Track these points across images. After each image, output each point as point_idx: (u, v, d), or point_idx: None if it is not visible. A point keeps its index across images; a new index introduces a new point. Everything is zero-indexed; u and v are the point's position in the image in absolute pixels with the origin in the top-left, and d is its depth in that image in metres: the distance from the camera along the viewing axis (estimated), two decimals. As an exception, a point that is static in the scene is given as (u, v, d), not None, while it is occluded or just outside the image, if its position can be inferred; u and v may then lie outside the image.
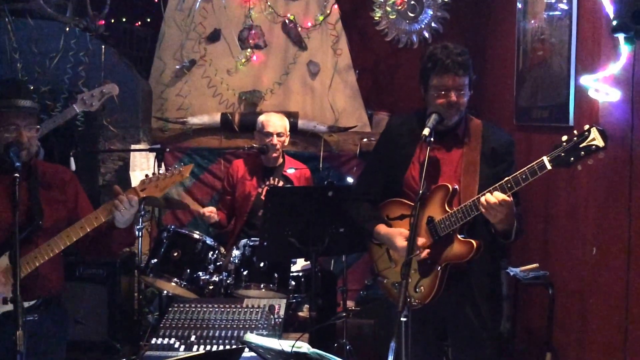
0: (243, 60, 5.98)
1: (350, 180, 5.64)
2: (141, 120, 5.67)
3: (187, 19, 5.93)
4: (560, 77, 3.86)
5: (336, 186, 4.03)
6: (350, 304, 5.07)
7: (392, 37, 6.15)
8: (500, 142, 3.13)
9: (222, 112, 5.93)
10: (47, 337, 3.02)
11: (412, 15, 6.10)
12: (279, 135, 4.82)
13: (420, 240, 2.97)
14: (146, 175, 2.99)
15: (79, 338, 4.67)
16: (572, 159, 2.63)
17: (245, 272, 4.22)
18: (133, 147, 5.53)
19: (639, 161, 3.17)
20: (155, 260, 4.36)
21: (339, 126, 5.90)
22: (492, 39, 5.70)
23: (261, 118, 4.96)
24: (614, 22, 3.00)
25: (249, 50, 5.98)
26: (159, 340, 2.94)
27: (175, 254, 4.34)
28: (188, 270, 4.31)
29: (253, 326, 3.11)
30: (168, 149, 5.15)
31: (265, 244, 3.89)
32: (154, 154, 4.85)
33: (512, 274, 4.18)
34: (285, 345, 2.30)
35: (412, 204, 2.92)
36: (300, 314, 4.67)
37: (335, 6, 5.96)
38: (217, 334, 3.01)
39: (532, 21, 4.40)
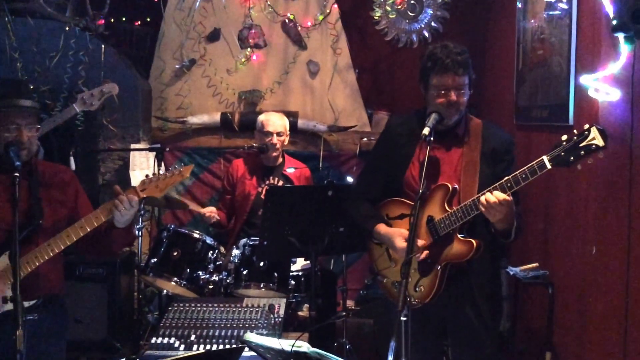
0: (243, 59, 5.98)
1: (350, 179, 5.64)
2: (141, 119, 5.67)
3: (187, 18, 5.93)
4: (560, 76, 3.86)
5: (336, 185, 4.02)
6: (350, 303, 5.07)
7: (392, 36, 6.15)
8: (500, 142, 3.13)
9: (221, 111, 5.92)
10: (47, 336, 3.03)
11: (412, 14, 6.10)
12: (278, 134, 4.82)
13: (420, 242, 2.98)
14: (146, 176, 2.99)
15: (79, 337, 4.67)
16: (572, 158, 2.63)
17: (245, 272, 4.22)
18: (133, 146, 5.52)
19: (639, 161, 3.17)
20: (155, 259, 4.36)
21: (339, 126, 5.90)
22: (492, 39, 5.70)
23: (261, 117, 4.96)
24: (614, 22, 3.00)
25: (248, 49, 5.98)
26: (159, 340, 2.94)
27: (175, 254, 4.34)
28: (188, 270, 4.31)
29: (253, 325, 3.11)
30: (168, 149, 5.15)
31: (265, 243, 3.89)
32: (154, 153, 4.85)
33: (512, 273, 4.18)
34: (285, 344, 2.30)
35: (412, 203, 2.92)
36: (300, 313, 4.67)
37: (335, 5, 5.95)
38: (217, 334, 3.01)
39: (532, 21, 4.39)
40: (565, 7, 3.82)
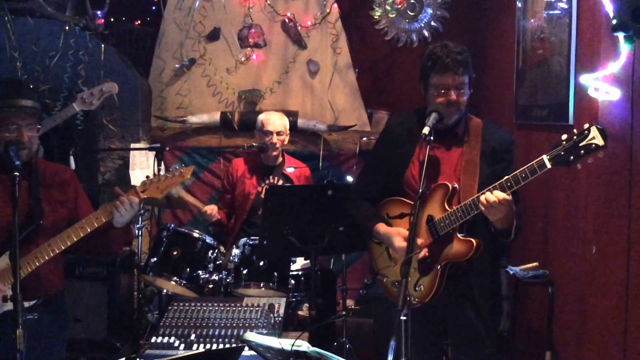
0: (243, 59, 5.98)
1: (349, 179, 5.64)
2: (141, 119, 5.67)
3: (187, 17, 5.93)
4: (560, 76, 3.86)
5: (336, 185, 4.03)
6: (349, 302, 5.07)
7: (392, 36, 6.15)
8: (500, 141, 3.13)
9: (221, 111, 5.92)
10: (47, 335, 3.02)
11: (411, 14, 6.10)
12: (278, 133, 4.82)
13: (419, 240, 2.98)
14: (147, 177, 3.00)
15: (79, 337, 4.68)
16: (571, 157, 2.63)
17: (244, 271, 4.22)
18: (133, 146, 5.53)
19: (639, 160, 3.17)
20: (155, 259, 4.36)
21: (339, 125, 5.90)
22: (492, 38, 5.70)
23: (261, 117, 4.96)
24: (614, 21, 3.00)
25: (248, 49, 5.98)
26: (159, 339, 2.94)
27: (175, 253, 4.34)
28: (188, 269, 4.31)
29: (253, 325, 3.11)
30: (168, 148, 5.16)
31: (264, 242, 3.89)
32: (154, 152, 4.85)
33: (511, 272, 4.18)
34: (285, 344, 2.30)
35: (412, 202, 2.92)
36: (299, 312, 4.67)
37: (335, 5, 5.95)
38: (216, 333, 3.01)
39: (532, 20, 4.39)
40: (565, 6, 3.82)
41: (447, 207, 2.99)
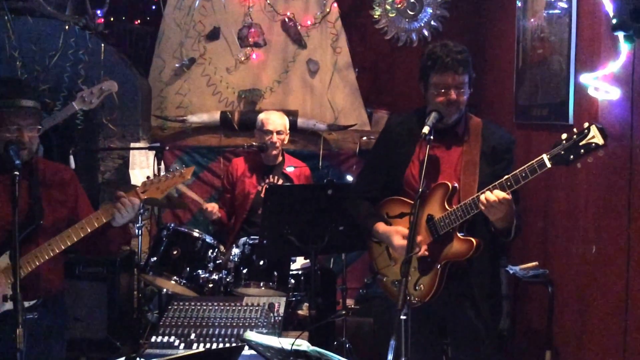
0: (242, 58, 5.98)
1: (349, 178, 5.64)
2: (141, 118, 5.67)
3: (187, 17, 5.93)
4: (559, 75, 3.86)
5: (336, 184, 4.03)
6: (349, 302, 5.07)
7: (392, 35, 6.15)
8: (501, 141, 3.13)
9: (221, 110, 5.93)
10: (47, 335, 3.03)
11: (411, 13, 6.10)
12: (278, 133, 4.82)
13: (419, 237, 2.98)
14: (147, 177, 3.00)
15: (79, 336, 4.68)
16: (571, 157, 2.63)
17: (244, 270, 4.22)
18: (132, 145, 5.53)
19: (639, 159, 3.17)
20: (155, 258, 4.36)
21: (339, 124, 5.91)
22: (492, 38, 5.69)
23: (261, 116, 4.96)
24: (614, 21, 3.00)
25: (248, 48, 5.98)
26: (159, 338, 2.94)
27: (175, 252, 4.34)
28: (188, 269, 4.31)
29: (253, 324, 3.11)
30: (167, 148, 5.16)
31: (264, 242, 3.89)
32: (154, 152, 4.85)
33: (511, 272, 4.18)
34: (285, 343, 2.30)
35: (412, 202, 2.92)
36: (299, 312, 4.67)
37: (335, 4, 5.95)
38: (216, 332, 3.01)
39: (532, 19, 4.39)
40: (565, 5, 3.82)
41: (447, 206, 2.99)
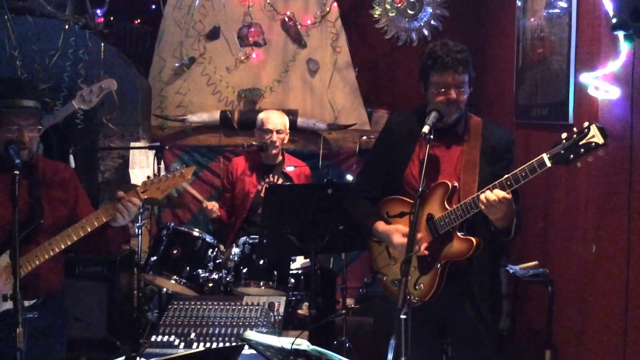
0: (242, 57, 5.98)
1: (349, 178, 5.64)
2: (141, 117, 5.67)
3: (187, 16, 5.93)
4: (559, 74, 3.86)
5: (335, 184, 4.03)
6: (349, 301, 5.07)
7: (392, 34, 6.15)
8: (500, 140, 3.13)
9: (221, 109, 5.93)
10: (47, 334, 3.02)
11: (411, 13, 6.10)
12: (278, 132, 4.82)
13: (419, 235, 2.98)
14: (147, 177, 3.00)
15: (79, 335, 4.67)
16: (571, 156, 2.63)
17: (244, 270, 4.22)
18: (132, 144, 5.53)
19: (639, 158, 3.17)
20: (155, 257, 4.36)
21: (339, 124, 5.91)
22: (492, 37, 5.69)
23: (261, 115, 4.96)
24: (614, 20, 3.00)
25: (248, 47, 5.98)
26: (159, 338, 2.94)
27: (175, 252, 4.34)
28: (187, 268, 4.31)
29: (253, 324, 3.11)
30: (167, 147, 5.16)
31: (264, 241, 3.89)
32: (154, 151, 4.85)
33: (511, 271, 4.18)
34: (285, 342, 2.30)
35: (412, 201, 2.92)
36: (299, 311, 4.67)
37: (335, 4, 5.95)
38: (216, 332, 3.02)
39: (532, 19, 4.39)
40: (565, 5, 3.82)
41: (447, 205, 2.99)
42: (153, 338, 2.95)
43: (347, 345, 4.49)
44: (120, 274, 4.98)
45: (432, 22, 6.09)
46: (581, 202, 3.63)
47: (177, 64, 5.95)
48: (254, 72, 6.01)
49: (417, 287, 3.06)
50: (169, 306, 3.33)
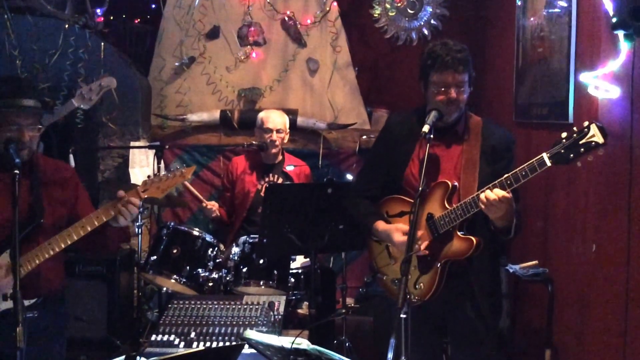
0: (242, 57, 5.97)
1: (349, 177, 5.64)
2: (140, 117, 5.67)
3: (187, 16, 5.92)
4: (559, 74, 3.86)
5: (335, 183, 4.03)
6: (349, 301, 5.07)
7: (392, 34, 6.15)
8: (500, 140, 3.13)
9: (221, 109, 5.92)
10: (47, 334, 3.02)
11: (411, 12, 6.10)
12: (278, 131, 4.82)
13: (420, 233, 2.98)
14: (148, 176, 3.00)
15: (79, 335, 4.67)
16: (571, 155, 2.63)
17: (244, 269, 4.22)
18: (132, 144, 5.52)
19: (639, 158, 3.17)
20: (155, 257, 4.36)
21: (339, 123, 5.90)
22: (492, 37, 5.69)
23: (261, 114, 4.97)
24: (614, 19, 3.00)
25: (248, 47, 5.97)
26: (159, 337, 2.94)
27: (175, 251, 4.34)
28: (187, 267, 4.31)
29: (253, 323, 3.11)
30: (167, 146, 5.16)
31: (264, 240, 3.89)
32: (154, 151, 4.85)
33: (511, 271, 4.18)
34: (285, 341, 2.30)
35: (412, 200, 2.93)
36: (299, 311, 4.67)
37: (335, 3, 5.95)
38: (216, 331, 3.02)
39: (532, 18, 4.39)
40: (565, 4, 3.82)
41: (447, 205, 2.99)
42: (153, 337, 2.95)
43: (347, 344, 4.49)
44: (120, 273, 4.98)
45: (432, 21, 6.09)
46: (581, 202, 3.63)
47: (177, 64, 5.95)
48: (254, 71, 6.01)
49: (417, 286, 3.06)
50: (169, 305, 3.33)
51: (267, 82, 6.01)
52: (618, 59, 3.15)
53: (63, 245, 2.89)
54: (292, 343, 2.28)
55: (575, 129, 2.64)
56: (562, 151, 2.65)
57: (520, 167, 2.75)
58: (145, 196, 2.95)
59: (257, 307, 3.29)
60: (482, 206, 2.81)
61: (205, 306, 3.30)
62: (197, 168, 5.86)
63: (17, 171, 2.72)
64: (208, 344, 2.90)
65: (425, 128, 2.91)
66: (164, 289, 4.48)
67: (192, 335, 2.97)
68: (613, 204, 3.30)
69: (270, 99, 5.99)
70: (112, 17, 5.87)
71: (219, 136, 5.97)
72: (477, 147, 3.09)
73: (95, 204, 3.08)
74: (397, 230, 3.05)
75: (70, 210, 3.06)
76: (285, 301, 3.41)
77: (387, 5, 6.07)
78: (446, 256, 3.01)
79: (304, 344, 2.28)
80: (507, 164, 3.04)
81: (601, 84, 3.25)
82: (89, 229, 2.89)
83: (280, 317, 3.21)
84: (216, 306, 3.30)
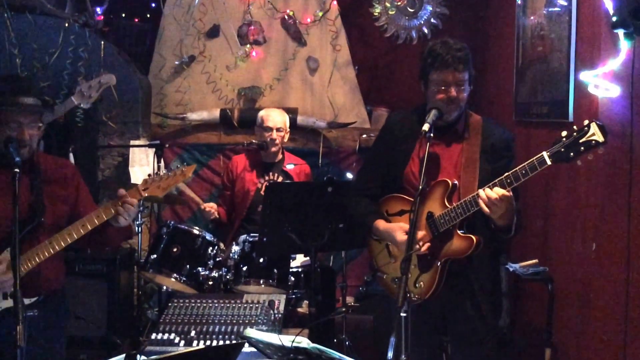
0: (242, 56, 5.97)
1: (349, 176, 5.64)
2: (140, 116, 5.67)
3: (187, 14, 5.92)
4: (559, 73, 3.86)
5: (335, 182, 4.02)
6: (349, 299, 5.07)
7: (392, 33, 6.15)
8: (500, 138, 3.13)
9: (221, 108, 5.92)
10: (47, 332, 3.02)
11: (411, 11, 6.10)
12: (278, 130, 4.82)
13: (420, 233, 2.98)
14: (149, 175, 3.00)
15: (79, 333, 4.67)
16: (571, 154, 2.63)
17: (244, 268, 4.22)
18: (132, 142, 5.52)
19: (639, 156, 3.17)
20: (155, 255, 4.36)
21: (338, 122, 5.90)
22: (492, 35, 5.69)
23: (261, 113, 4.97)
24: (614, 18, 3.00)
25: (248, 46, 5.97)
26: (159, 336, 2.95)
27: (175, 250, 4.34)
28: (187, 266, 4.31)
29: (253, 321, 3.11)
30: (167, 145, 5.16)
31: (264, 239, 3.89)
32: (153, 149, 4.84)
33: (511, 269, 4.18)
34: (285, 340, 2.30)
35: (412, 199, 2.93)
36: (299, 309, 4.67)
37: (335, 2, 5.95)
38: (216, 329, 3.02)
39: (532, 17, 4.39)
40: (565, 3, 3.82)
41: (447, 203, 2.99)
42: (153, 336, 2.95)
43: (347, 343, 4.49)
44: (120, 272, 4.97)
45: (432, 20, 6.09)
46: (581, 200, 3.63)
47: (177, 62, 5.95)
48: (254, 70, 6.01)
49: (417, 285, 3.06)
50: (169, 304, 3.34)
51: (267, 81, 6.01)
52: (618, 57, 3.15)
53: (63, 244, 2.89)
54: (293, 342, 2.28)
55: (575, 127, 2.64)
56: (562, 150, 2.65)
57: (521, 166, 2.75)
58: (146, 195, 2.96)
59: (257, 305, 3.29)
60: (483, 205, 2.81)
61: (205, 305, 3.30)
62: (197, 167, 5.84)
63: (17, 170, 2.72)
64: (208, 342, 2.90)
65: (426, 127, 2.91)
66: (164, 287, 4.48)
67: (192, 333, 2.97)
68: (613, 202, 3.30)
69: (270, 97, 5.99)
70: (112, 16, 5.87)
71: (219, 135, 5.97)
72: (477, 146, 3.09)
73: (95, 202, 3.07)
74: (399, 229, 3.04)
75: (72, 208, 3.06)
76: (285, 300, 3.42)
77: (387, 4, 6.07)
78: (446, 255, 3.01)
79: (304, 342, 2.29)
80: (507, 163, 3.04)
81: (601, 82, 3.25)
82: (90, 227, 2.90)
83: (280, 315, 3.22)
84: (216, 305, 3.30)
